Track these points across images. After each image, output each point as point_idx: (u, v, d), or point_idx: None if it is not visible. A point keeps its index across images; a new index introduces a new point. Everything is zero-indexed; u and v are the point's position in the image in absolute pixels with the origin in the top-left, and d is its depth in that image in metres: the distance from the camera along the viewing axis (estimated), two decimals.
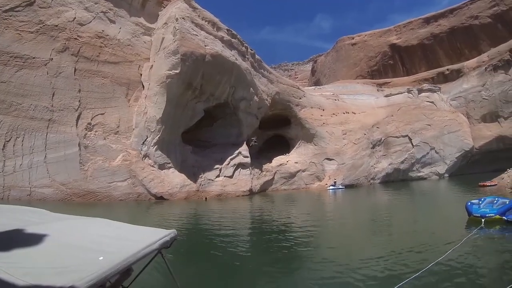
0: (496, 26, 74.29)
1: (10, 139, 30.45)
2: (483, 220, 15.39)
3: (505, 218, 15.53)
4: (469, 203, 17.43)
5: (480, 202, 17.81)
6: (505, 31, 71.70)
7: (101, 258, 2.67)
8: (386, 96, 71.18)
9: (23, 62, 32.31)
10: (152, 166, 36.10)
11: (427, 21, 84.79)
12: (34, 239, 2.87)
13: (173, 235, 3.82)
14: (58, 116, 32.99)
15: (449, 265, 9.37)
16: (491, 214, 15.79)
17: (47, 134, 32.10)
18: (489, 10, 75.29)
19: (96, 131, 34.75)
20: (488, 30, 75.02)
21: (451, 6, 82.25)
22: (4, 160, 29.91)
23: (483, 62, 66.92)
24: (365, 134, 59.57)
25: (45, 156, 31.52)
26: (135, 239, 3.39)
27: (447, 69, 74.81)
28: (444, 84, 72.42)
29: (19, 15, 33.30)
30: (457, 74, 71.82)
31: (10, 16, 32.77)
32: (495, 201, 17.76)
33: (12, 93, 31.35)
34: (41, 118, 32.21)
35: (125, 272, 3.79)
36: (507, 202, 17.38)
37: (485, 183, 36.90)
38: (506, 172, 37.34)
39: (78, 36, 35.87)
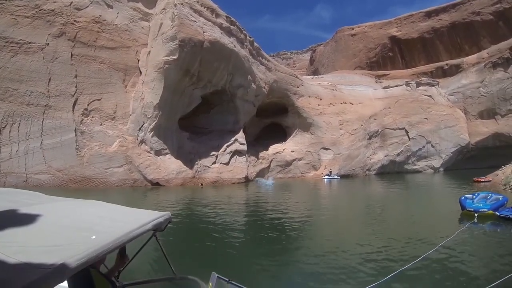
0: (497, 23, 73.91)
1: (6, 125, 30.17)
2: (476, 214, 15.55)
3: (498, 213, 15.71)
4: (463, 198, 17.61)
5: (474, 197, 18.03)
6: (506, 29, 71.47)
7: (93, 237, 2.67)
8: (384, 88, 71.23)
9: (19, 47, 31.84)
10: (149, 152, 36.07)
11: (428, 14, 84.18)
12: (26, 219, 2.86)
13: (167, 217, 3.80)
14: (54, 102, 32.71)
15: (440, 258, 9.47)
16: (484, 209, 15.95)
17: (43, 120, 31.86)
18: (491, 7, 74.78)
19: (92, 117, 34.57)
20: (489, 27, 74.61)
21: (453, 1, 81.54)
22: (0, 147, 29.70)
23: (483, 58, 66.93)
24: (362, 125, 59.71)
25: (41, 142, 31.34)
26: (128, 220, 3.38)
27: (446, 64, 74.75)
28: (442, 79, 72.50)
29: None
30: (456, 69, 71.85)
31: (6, 0, 32.15)
32: (488, 197, 17.98)
33: (8, 79, 30.94)
34: (37, 104, 31.91)
35: (121, 259, 3.81)
36: (500, 198, 17.61)
37: (479, 179, 37.18)
38: (500, 169, 37.73)
39: (74, 21, 35.35)
